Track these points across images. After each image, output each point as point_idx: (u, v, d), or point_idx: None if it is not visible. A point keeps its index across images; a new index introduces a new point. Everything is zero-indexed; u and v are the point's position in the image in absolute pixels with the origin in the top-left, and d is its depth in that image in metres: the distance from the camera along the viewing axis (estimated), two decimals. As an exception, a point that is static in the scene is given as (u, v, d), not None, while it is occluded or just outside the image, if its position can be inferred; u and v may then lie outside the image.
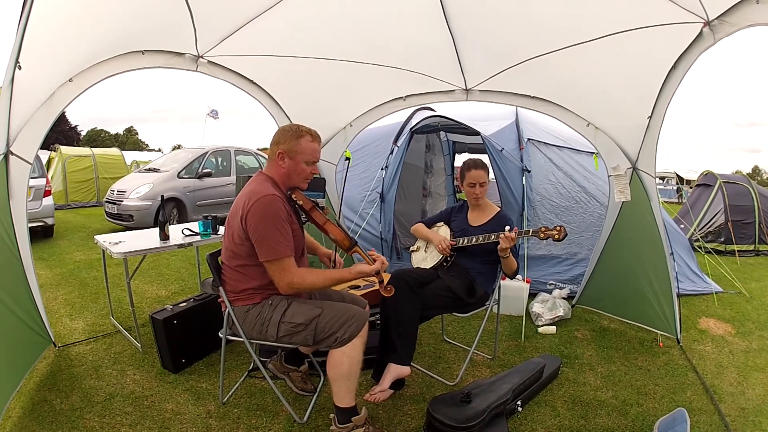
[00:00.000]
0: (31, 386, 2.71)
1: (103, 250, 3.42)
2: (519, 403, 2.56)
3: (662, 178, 20.80)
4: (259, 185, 2.19)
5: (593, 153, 3.95)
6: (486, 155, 4.84)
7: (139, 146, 54.15)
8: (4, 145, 2.47)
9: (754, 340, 3.76)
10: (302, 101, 4.12)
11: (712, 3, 2.28)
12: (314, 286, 2.19)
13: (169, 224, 3.65)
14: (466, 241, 2.88)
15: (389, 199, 5.49)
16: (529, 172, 4.80)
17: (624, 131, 3.58)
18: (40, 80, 2.55)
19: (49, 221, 7.20)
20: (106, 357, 3.12)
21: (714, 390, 2.89)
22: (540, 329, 3.77)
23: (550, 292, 4.31)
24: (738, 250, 7.13)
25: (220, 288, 2.30)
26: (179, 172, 8.56)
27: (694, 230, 7.58)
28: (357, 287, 3.41)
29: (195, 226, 3.73)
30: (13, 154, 2.55)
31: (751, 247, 7.50)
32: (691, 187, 12.55)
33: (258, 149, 11.02)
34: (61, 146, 12.44)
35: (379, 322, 2.69)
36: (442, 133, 7.48)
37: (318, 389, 2.72)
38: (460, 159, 7.99)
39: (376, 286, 2.98)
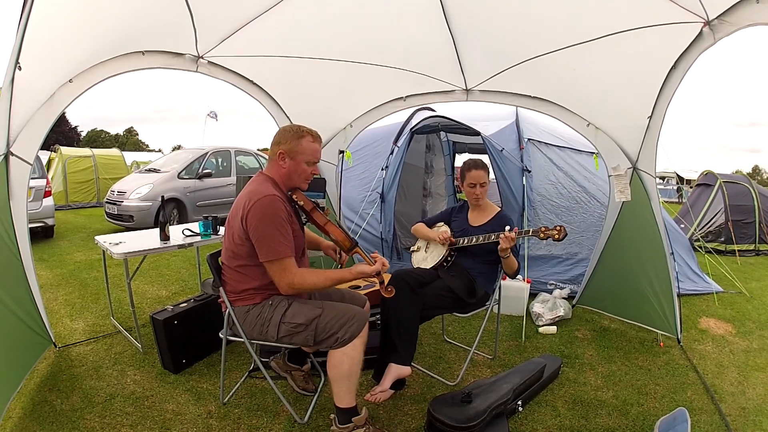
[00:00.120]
0: (32, 387, 2.71)
1: (103, 251, 3.42)
2: (520, 403, 2.55)
3: (662, 178, 20.80)
4: (260, 185, 2.19)
5: (593, 153, 3.95)
6: (486, 155, 4.84)
7: (140, 147, 54.12)
8: (4, 145, 2.47)
9: (755, 340, 3.76)
10: (302, 101, 4.13)
11: (712, 3, 2.28)
12: (315, 287, 2.19)
13: (170, 225, 3.65)
14: (466, 241, 2.88)
15: (389, 199, 5.49)
16: (529, 172, 4.80)
17: (624, 131, 3.58)
18: (40, 81, 2.56)
19: (50, 222, 7.20)
20: (106, 357, 3.12)
21: (714, 390, 2.89)
22: (540, 329, 3.77)
23: (550, 292, 4.31)
24: (738, 250, 7.12)
25: (221, 288, 2.30)
26: (179, 173, 8.56)
27: (695, 230, 7.58)
28: (357, 287, 3.41)
29: (195, 226, 3.73)
30: (13, 154, 2.55)
31: (752, 247, 7.50)
32: (691, 187, 12.55)
33: (258, 150, 11.02)
34: (61, 147, 12.44)
35: (379, 322, 2.69)
36: (442, 133, 7.48)
37: (319, 389, 2.72)
38: (460, 159, 7.99)
39: (377, 287, 2.98)
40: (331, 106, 4.23)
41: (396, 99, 4.21)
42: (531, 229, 2.72)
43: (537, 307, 3.98)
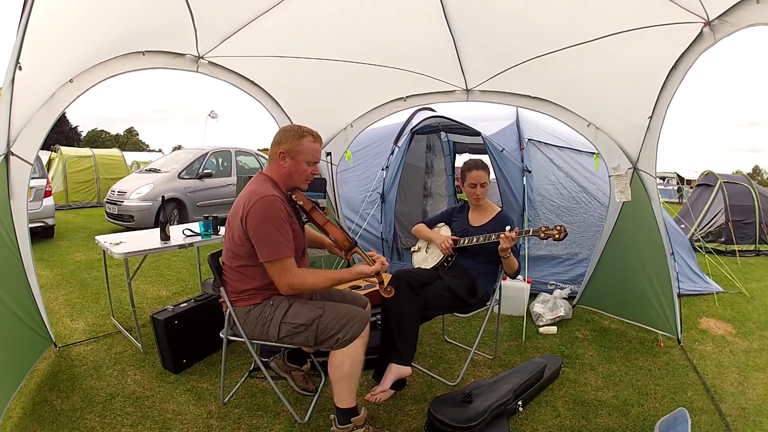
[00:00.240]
0: (32, 386, 2.71)
1: (103, 251, 3.42)
2: (520, 403, 2.55)
3: (663, 178, 20.81)
4: (260, 186, 2.19)
5: (594, 153, 3.95)
6: (487, 155, 4.84)
7: (140, 147, 54.14)
8: (4, 145, 2.47)
9: (755, 340, 3.76)
10: (303, 102, 4.12)
11: (712, 3, 2.28)
12: (314, 287, 2.19)
13: (170, 225, 3.65)
14: (466, 241, 2.88)
15: (390, 199, 5.49)
16: (529, 172, 4.80)
17: (624, 131, 3.58)
18: (41, 81, 2.55)
19: (50, 222, 7.21)
20: (106, 357, 3.12)
21: (715, 390, 2.89)
22: (541, 329, 3.77)
23: (550, 292, 4.31)
24: (738, 250, 7.12)
25: (221, 288, 2.30)
26: (180, 173, 8.56)
27: (695, 230, 7.57)
28: (358, 288, 3.41)
29: (196, 226, 3.73)
30: (13, 154, 2.55)
31: (752, 247, 7.50)
32: (691, 187, 12.55)
33: (258, 150, 11.02)
34: (61, 147, 12.45)
35: (380, 322, 2.69)
36: (442, 133, 7.48)
37: (319, 389, 2.72)
38: (460, 159, 7.99)
39: (377, 287, 2.98)
40: (332, 106, 4.23)
41: (396, 99, 4.21)
42: (531, 229, 2.72)
43: (537, 307, 3.98)
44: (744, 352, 3.52)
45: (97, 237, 3.45)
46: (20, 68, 2.18)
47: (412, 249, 3.30)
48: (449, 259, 2.95)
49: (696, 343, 3.63)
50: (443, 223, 3.16)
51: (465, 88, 3.89)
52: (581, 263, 4.56)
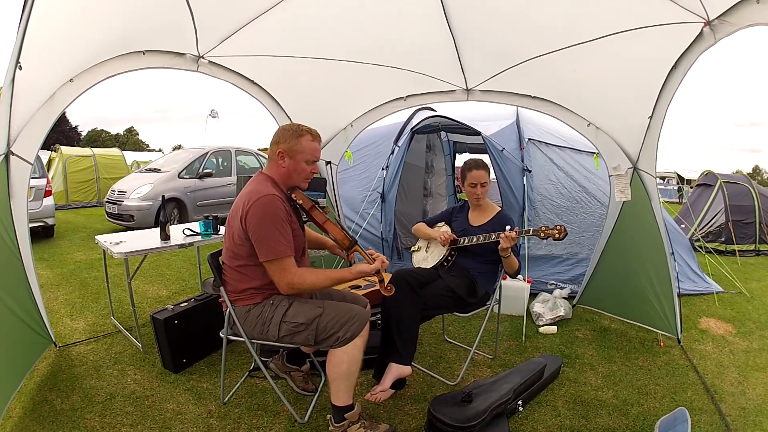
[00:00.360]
0: (32, 386, 2.71)
1: (103, 250, 3.42)
2: (520, 402, 2.55)
3: (663, 178, 20.80)
4: (259, 185, 2.19)
5: (594, 153, 3.95)
6: (487, 155, 4.84)
7: (140, 146, 54.12)
8: (4, 145, 2.47)
9: (755, 340, 3.76)
10: (303, 101, 4.12)
11: (712, 3, 2.28)
12: (314, 286, 2.19)
13: (170, 224, 3.65)
14: (467, 240, 2.88)
15: (390, 199, 5.50)
16: (530, 172, 4.80)
17: (625, 131, 3.58)
18: (41, 80, 2.56)
19: (50, 221, 7.20)
20: (106, 357, 3.12)
21: (715, 390, 2.89)
22: (541, 329, 3.77)
23: (550, 292, 4.30)
24: (738, 250, 7.12)
25: (221, 288, 2.30)
26: (180, 173, 8.56)
27: (695, 230, 7.57)
28: (358, 287, 3.41)
29: (196, 226, 3.73)
30: (13, 154, 2.55)
31: (752, 247, 7.50)
32: (691, 187, 12.54)
33: (258, 149, 11.02)
34: (61, 146, 12.46)
35: (380, 322, 2.69)
36: (442, 133, 7.48)
37: (319, 389, 2.72)
38: (460, 159, 7.99)
39: (377, 286, 2.98)
40: (332, 105, 4.23)
41: (396, 99, 4.21)
42: (531, 229, 2.72)
43: (537, 306, 3.98)
44: (744, 352, 3.52)
45: (97, 237, 3.45)
46: (20, 68, 2.18)
47: (412, 249, 3.30)
48: (449, 258, 2.95)
49: (696, 343, 3.63)
50: (443, 223, 3.16)
51: (465, 87, 3.89)
52: (581, 263, 4.56)
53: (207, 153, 9.19)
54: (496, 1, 2.74)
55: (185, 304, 3.11)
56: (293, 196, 2.30)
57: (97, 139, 51.99)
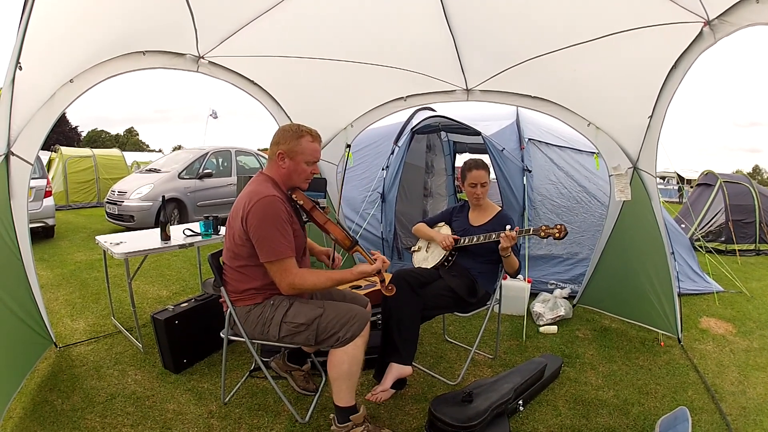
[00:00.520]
0: (32, 387, 2.71)
1: (104, 251, 3.42)
2: (521, 402, 2.56)
3: (663, 178, 20.79)
4: (260, 186, 2.19)
5: (594, 153, 3.95)
6: (487, 155, 4.84)
7: (140, 147, 54.11)
8: (5, 145, 2.47)
9: (755, 340, 3.76)
10: (303, 101, 4.13)
11: (712, 2, 2.28)
12: (315, 287, 2.19)
13: (170, 225, 3.65)
14: (467, 240, 2.88)
15: (390, 199, 5.50)
16: (530, 172, 4.80)
17: (625, 131, 3.58)
18: (41, 81, 2.55)
19: (50, 222, 7.21)
20: (107, 357, 3.12)
21: (715, 389, 2.89)
22: (541, 329, 3.77)
23: (551, 291, 4.30)
24: (739, 250, 7.12)
25: (222, 288, 2.30)
26: (180, 173, 8.56)
27: (695, 230, 7.57)
28: (358, 287, 3.41)
29: (196, 226, 3.73)
30: (13, 154, 2.55)
31: (752, 247, 7.50)
32: (691, 187, 12.54)
33: (259, 150, 11.02)
34: (61, 147, 12.46)
35: (380, 322, 2.69)
36: (442, 133, 7.49)
37: (320, 389, 2.72)
38: (460, 159, 7.98)
39: (378, 286, 2.98)
40: (332, 106, 4.23)
41: (397, 99, 4.21)
42: (532, 228, 2.73)
43: (538, 306, 3.98)
44: (744, 352, 3.52)
45: (97, 237, 3.45)
46: (20, 68, 2.18)
47: (413, 249, 3.30)
48: (449, 258, 2.95)
49: (696, 343, 3.63)
50: (443, 223, 3.16)
51: (465, 87, 3.89)
52: (581, 263, 4.56)
53: (207, 153, 9.19)
54: (496, 1, 2.74)
55: (186, 304, 3.11)
56: (294, 196, 2.30)
57: (97, 139, 51.98)
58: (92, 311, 4.01)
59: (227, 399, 2.63)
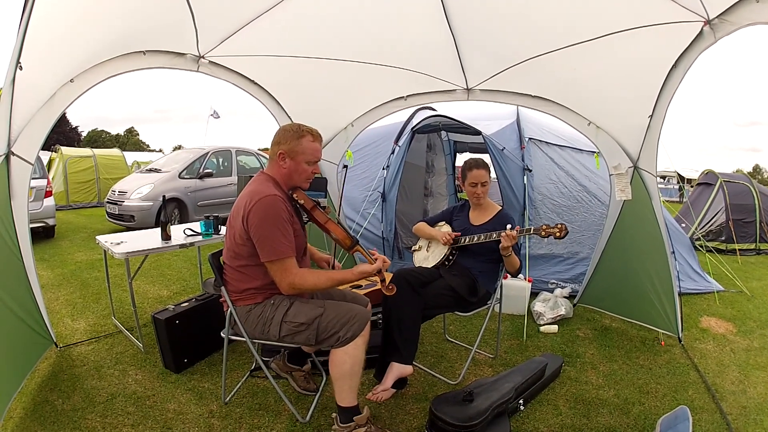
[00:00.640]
0: (33, 387, 2.71)
1: (104, 251, 3.42)
2: (521, 401, 2.56)
3: (663, 177, 20.77)
4: (261, 185, 2.19)
5: (594, 152, 3.95)
6: (487, 154, 4.84)
7: (140, 147, 54.09)
8: (5, 145, 2.47)
9: (756, 339, 3.76)
10: (303, 101, 4.13)
11: (712, 2, 2.28)
12: (316, 287, 2.19)
13: (171, 224, 3.65)
14: (467, 239, 2.88)
15: (391, 198, 5.50)
16: (530, 171, 4.80)
17: (625, 130, 3.57)
18: (41, 81, 2.55)
19: (51, 222, 7.21)
20: (107, 357, 3.12)
21: (715, 388, 2.89)
22: (542, 328, 3.77)
23: (551, 291, 4.31)
24: (739, 249, 7.12)
25: (222, 288, 2.30)
26: (180, 173, 8.56)
27: (695, 229, 7.57)
28: (359, 287, 3.41)
29: (197, 226, 3.73)
30: (14, 154, 2.55)
31: (752, 246, 7.50)
32: (692, 186, 12.54)
33: (259, 149, 11.01)
34: (62, 147, 12.46)
35: (380, 321, 2.69)
36: (443, 132, 7.48)
37: (320, 388, 2.72)
38: (461, 158, 7.98)
39: (378, 285, 2.98)
40: (332, 105, 4.23)
41: (397, 98, 4.21)
42: (532, 227, 2.73)
43: (538, 306, 3.98)
44: (745, 351, 3.52)
45: (97, 237, 3.45)
46: (21, 68, 2.18)
47: (413, 248, 3.30)
48: (450, 257, 2.95)
49: (697, 342, 3.63)
50: (444, 222, 3.16)
51: (465, 87, 3.88)
52: (582, 262, 4.56)
53: (207, 153, 9.18)
54: (496, 1, 2.74)
55: (186, 304, 3.11)
56: (294, 196, 2.30)
57: (98, 139, 51.97)
58: (93, 311, 4.02)
59: (228, 399, 2.63)
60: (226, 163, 9.59)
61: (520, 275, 3.60)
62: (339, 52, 3.41)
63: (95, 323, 3.73)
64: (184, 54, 3.28)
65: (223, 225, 3.00)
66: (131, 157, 18.88)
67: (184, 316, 2.99)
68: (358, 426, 2.17)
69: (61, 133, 32.89)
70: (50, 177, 9.86)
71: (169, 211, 8.09)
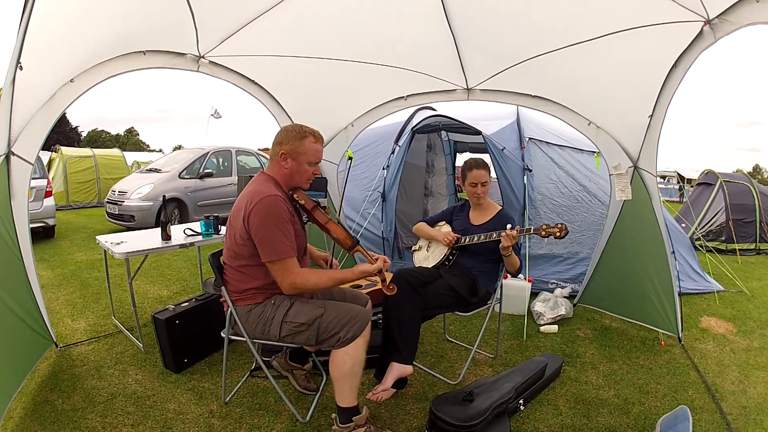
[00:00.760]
0: (33, 386, 2.71)
1: (104, 251, 3.42)
2: (521, 401, 2.56)
3: (663, 177, 20.77)
4: (261, 185, 2.19)
5: (594, 152, 3.95)
6: (487, 154, 4.84)
7: (140, 147, 54.08)
8: (5, 145, 2.48)
9: (756, 339, 3.76)
10: (304, 101, 4.13)
11: (712, 2, 2.28)
12: (317, 287, 2.19)
13: (171, 224, 3.65)
14: (468, 239, 2.88)
15: (391, 198, 5.49)
16: (530, 171, 4.80)
17: (625, 130, 3.58)
18: (41, 81, 2.55)
19: (51, 222, 7.21)
20: (107, 357, 3.12)
21: (715, 388, 2.89)
22: (542, 328, 3.77)
23: (551, 291, 4.31)
24: (739, 249, 7.12)
25: (223, 288, 2.30)
26: (180, 173, 8.56)
27: (695, 229, 7.57)
28: (359, 287, 3.41)
29: (197, 226, 3.73)
30: (14, 154, 2.55)
31: (752, 246, 7.50)
32: (692, 186, 12.54)
33: (259, 149, 11.01)
34: (62, 147, 12.46)
35: (381, 321, 2.69)
36: (443, 132, 7.48)
37: (321, 388, 2.72)
38: (461, 158, 7.99)
39: (379, 285, 2.98)
40: (333, 105, 4.23)
41: (397, 98, 4.21)
42: (532, 227, 2.73)
43: (538, 306, 3.98)
44: (745, 351, 3.52)
45: (98, 237, 3.45)
46: (21, 68, 2.18)
47: (413, 248, 3.30)
48: (450, 257, 2.95)
49: (697, 342, 3.63)
50: (444, 222, 3.16)
51: (465, 87, 3.89)
52: (582, 262, 4.56)
53: (207, 153, 9.18)
54: (496, 1, 2.74)
55: (186, 304, 3.11)
56: (295, 196, 2.30)
57: (98, 139, 51.98)
58: (93, 311, 4.02)
59: (228, 398, 2.63)
60: (226, 163, 9.59)
61: (520, 275, 3.60)
62: (339, 52, 3.41)
63: (95, 323, 3.73)
64: (184, 54, 3.28)
65: (223, 225, 3.00)
66: (131, 157, 18.87)
67: (184, 316, 2.99)
68: (358, 426, 2.17)
69: (61, 133, 32.90)
70: (50, 177, 9.86)
71: (169, 211, 8.09)
